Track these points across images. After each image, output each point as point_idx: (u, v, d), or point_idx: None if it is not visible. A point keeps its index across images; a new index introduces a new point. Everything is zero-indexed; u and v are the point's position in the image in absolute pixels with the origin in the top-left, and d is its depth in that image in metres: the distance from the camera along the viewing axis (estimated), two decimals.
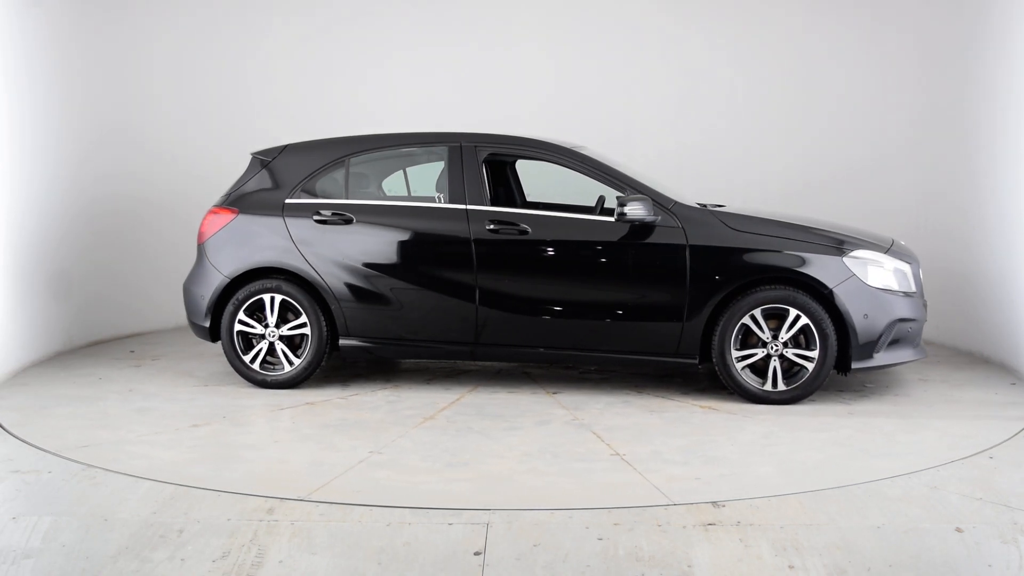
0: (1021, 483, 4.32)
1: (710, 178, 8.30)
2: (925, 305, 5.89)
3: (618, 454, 4.74)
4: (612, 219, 5.70)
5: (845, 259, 5.57)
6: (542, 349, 5.87)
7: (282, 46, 8.60)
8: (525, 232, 5.80)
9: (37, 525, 3.81)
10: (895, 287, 5.64)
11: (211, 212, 6.27)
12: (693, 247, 5.61)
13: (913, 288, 5.75)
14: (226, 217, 6.16)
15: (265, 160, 6.28)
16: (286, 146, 6.32)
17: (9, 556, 3.55)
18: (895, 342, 5.66)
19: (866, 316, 5.51)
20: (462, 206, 5.89)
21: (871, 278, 5.57)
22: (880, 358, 5.61)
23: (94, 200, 7.61)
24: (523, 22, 8.67)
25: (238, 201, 6.21)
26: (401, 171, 6.47)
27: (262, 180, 6.22)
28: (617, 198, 5.69)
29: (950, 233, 7.42)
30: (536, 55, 8.66)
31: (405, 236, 5.93)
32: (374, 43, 8.64)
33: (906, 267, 5.76)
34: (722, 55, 8.52)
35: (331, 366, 6.82)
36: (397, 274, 5.90)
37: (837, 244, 5.63)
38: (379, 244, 5.92)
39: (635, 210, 5.59)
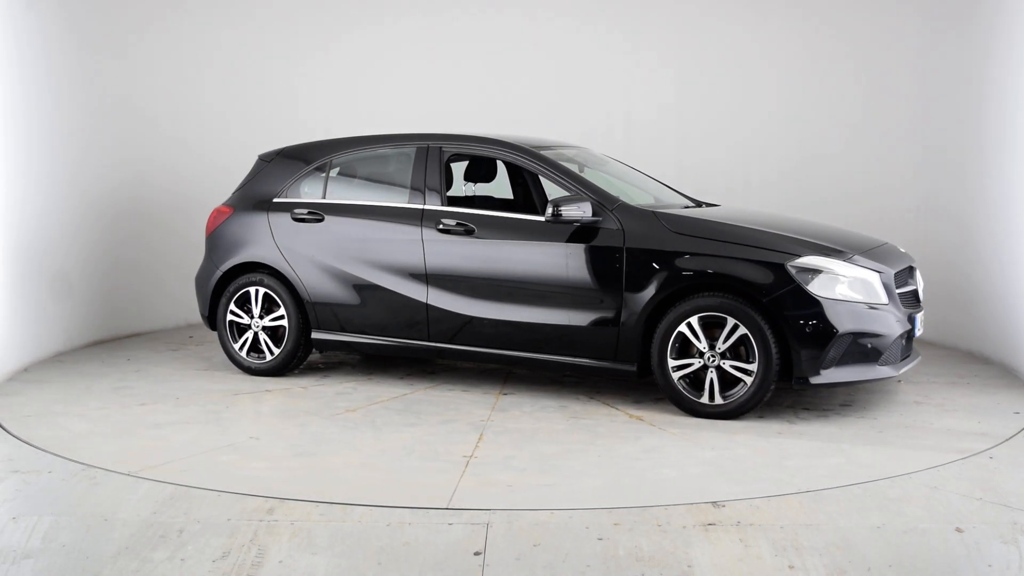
0: (1021, 483, 4.33)
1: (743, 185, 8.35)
2: (911, 317, 5.39)
3: (470, 457, 4.68)
4: (542, 219, 5.59)
5: (789, 266, 5.11)
6: (487, 350, 5.81)
7: (291, 47, 8.60)
8: (471, 232, 5.79)
9: (37, 525, 3.81)
10: (854, 297, 5.14)
11: (215, 210, 6.67)
12: (629, 250, 5.41)
13: (882, 299, 5.21)
14: (225, 215, 6.56)
15: (266, 160, 6.63)
16: (283, 148, 6.65)
17: (9, 556, 3.55)
18: (856, 358, 5.14)
19: (810, 328, 5.09)
20: (419, 206, 5.94)
21: (819, 287, 5.08)
22: (830, 375, 5.08)
23: (96, 199, 7.58)
24: (556, 26, 8.66)
25: (237, 200, 6.59)
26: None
27: (261, 180, 6.55)
28: (553, 199, 5.54)
29: (950, 234, 7.41)
30: (578, 58, 8.65)
31: (367, 234, 6.05)
32: (387, 46, 8.63)
33: (872, 276, 5.23)
34: (760, 62, 8.43)
35: (350, 358, 6.99)
36: (359, 271, 6.04)
37: (782, 250, 5.18)
38: (344, 242, 6.10)
39: (570, 211, 5.45)
